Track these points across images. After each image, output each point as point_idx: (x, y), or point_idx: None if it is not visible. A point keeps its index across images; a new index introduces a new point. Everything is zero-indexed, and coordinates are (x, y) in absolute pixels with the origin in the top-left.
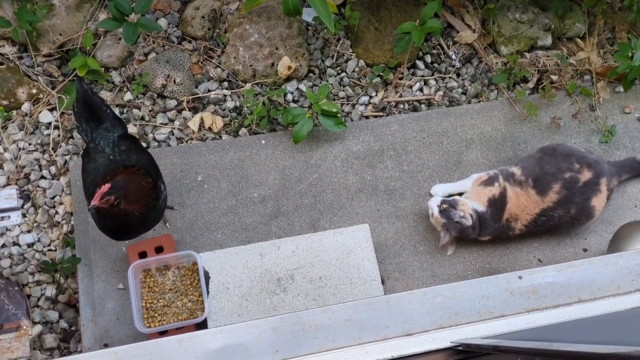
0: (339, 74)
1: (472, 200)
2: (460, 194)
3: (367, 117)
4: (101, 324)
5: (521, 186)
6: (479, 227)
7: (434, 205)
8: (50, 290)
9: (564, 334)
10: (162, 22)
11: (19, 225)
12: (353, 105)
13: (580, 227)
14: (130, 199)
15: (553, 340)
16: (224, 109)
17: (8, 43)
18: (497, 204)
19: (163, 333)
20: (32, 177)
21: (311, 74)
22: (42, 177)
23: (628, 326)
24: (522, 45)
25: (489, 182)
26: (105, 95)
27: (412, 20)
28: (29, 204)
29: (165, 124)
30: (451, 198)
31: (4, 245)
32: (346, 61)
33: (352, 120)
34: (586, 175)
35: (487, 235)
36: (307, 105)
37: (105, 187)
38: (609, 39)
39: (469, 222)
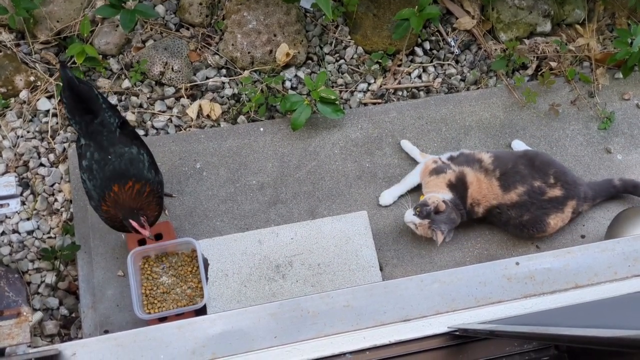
0: (337, 60)
1: (435, 192)
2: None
3: (365, 104)
4: (101, 311)
5: (486, 174)
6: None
7: (409, 216)
8: (50, 278)
9: (560, 319)
10: (160, 9)
11: (18, 213)
12: (351, 92)
13: (529, 236)
14: (147, 212)
15: (550, 325)
16: (222, 97)
17: (5, 30)
18: (458, 188)
19: (163, 319)
20: (31, 164)
21: (309, 61)
22: (41, 164)
23: (625, 311)
24: (521, 32)
25: (439, 170)
26: (103, 82)
27: (410, 6)
28: (28, 191)
29: (164, 112)
30: (420, 202)
31: (3, 233)
32: (344, 48)
33: (350, 108)
34: (555, 192)
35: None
36: (305, 92)
37: (145, 233)
38: (608, 25)
39: (442, 206)
